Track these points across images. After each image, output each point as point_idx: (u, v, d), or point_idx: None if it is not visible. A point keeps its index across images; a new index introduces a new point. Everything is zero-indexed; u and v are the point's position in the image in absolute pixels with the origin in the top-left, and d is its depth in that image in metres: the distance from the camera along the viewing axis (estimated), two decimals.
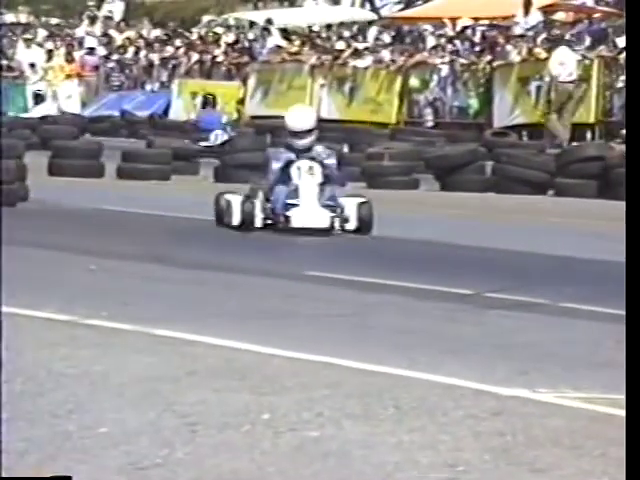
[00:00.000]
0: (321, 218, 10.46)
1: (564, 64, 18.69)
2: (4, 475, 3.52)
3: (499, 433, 4.48)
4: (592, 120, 18.85)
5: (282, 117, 23.31)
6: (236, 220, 10.66)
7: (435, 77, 21.11)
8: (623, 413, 4.72)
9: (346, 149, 17.44)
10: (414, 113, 21.28)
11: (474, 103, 20.72)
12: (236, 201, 10.77)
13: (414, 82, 21.29)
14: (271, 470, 4.00)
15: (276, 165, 10.79)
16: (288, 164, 10.74)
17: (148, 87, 25.16)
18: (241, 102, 23.05)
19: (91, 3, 31.40)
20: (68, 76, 25.00)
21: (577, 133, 18.58)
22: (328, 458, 4.14)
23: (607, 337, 6.45)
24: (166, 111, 24.09)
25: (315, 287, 7.92)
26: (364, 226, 10.55)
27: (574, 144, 17.13)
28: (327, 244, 10.36)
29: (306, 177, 10.64)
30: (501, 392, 5.09)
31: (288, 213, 10.49)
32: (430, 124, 20.89)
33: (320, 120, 21.51)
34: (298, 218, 10.43)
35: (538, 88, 19.49)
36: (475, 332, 6.68)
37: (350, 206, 10.64)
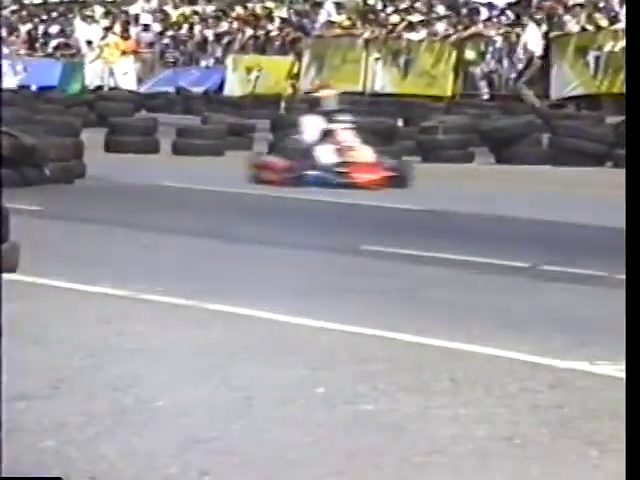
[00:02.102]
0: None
1: (532, 40, 19.60)
2: (4, 475, 3.53)
3: (556, 406, 4.44)
4: None
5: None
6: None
7: (490, 49, 20.90)
8: None
9: (401, 123, 17.35)
10: (469, 86, 21.10)
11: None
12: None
13: (469, 54, 21.10)
14: (326, 444, 4.00)
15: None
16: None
17: (203, 63, 25.19)
18: (296, 77, 23.00)
19: None
20: (124, 53, 25.11)
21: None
22: (383, 431, 4.13)
23: None
24: (221, 87, 24.10)
25: (370, 261, 7.91)
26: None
27: None
28: (382, 218, 10.33)
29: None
30: (558, 365, 5.05)
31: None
32: (486, 97, 20.71)
33: (374, 94, 21.60)
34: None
35: (597, 58, 19.23)
36: (531, 305, 6.63)
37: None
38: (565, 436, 4.12)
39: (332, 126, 12.16)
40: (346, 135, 12.13)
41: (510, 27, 20.87)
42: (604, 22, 19.34)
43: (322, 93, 12.77)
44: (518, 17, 21.03)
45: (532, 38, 19.93)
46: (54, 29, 27.70)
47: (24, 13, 29.10)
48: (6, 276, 6.58)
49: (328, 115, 12.26)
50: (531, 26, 20.17)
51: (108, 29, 25.86)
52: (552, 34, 20.12)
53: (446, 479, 3.73)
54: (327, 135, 12.07)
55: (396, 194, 11.70)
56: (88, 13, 27.12)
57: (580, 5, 20.18)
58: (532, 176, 13.85)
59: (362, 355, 5.16)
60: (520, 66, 19.86)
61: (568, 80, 19.64)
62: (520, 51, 20.04)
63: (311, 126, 12.20)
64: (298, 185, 11.57)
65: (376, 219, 10.31)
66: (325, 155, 11.89)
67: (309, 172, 11.86)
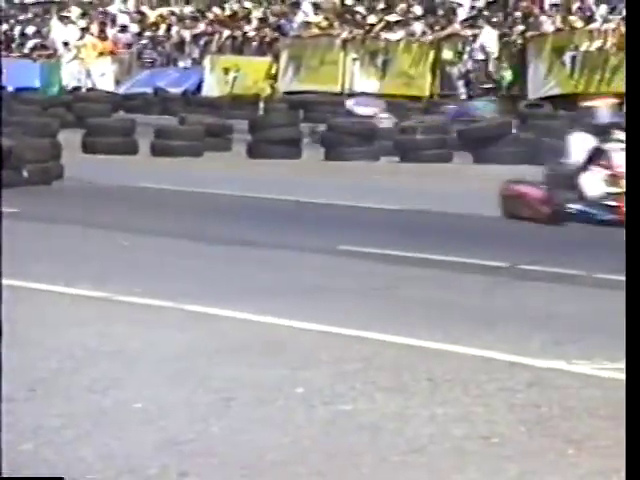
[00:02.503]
0: None
1: (487, 42, 19.90)
2: (4, 475, 3.52)
3: (534, 405, 4.46)
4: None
5: (314, 92, 23.34)
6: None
7: (467, 49, 20.97)
8: None
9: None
10: (447, 86, 21.16)
11: (507, 75, 20.56)
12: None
13: (447, 54, 21.16)
14: (306, 444, 4.00)
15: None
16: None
17: (181, 64, 25.16)
18: (273, 78, 23.00)
19: None
20: (101, 54, 25.05)
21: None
22: (362, 431, 4.13)
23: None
24: (199, 87, 24.08)
25: (348, 261, 7.91)
26: None
27: None
28: (357, 217, 10.34)
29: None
30: (536, 364, 5.07)
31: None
32: (463, 97, 20.77)
33: (352, 94, 21.60)
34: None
35: (573, 58, 19.32)
36: (509, 304, 6.65)
37: None
38: (543, 434, 4.13)
39: (606, 146, 9.69)
40: (621, 158, 9.33)
41: (489, 27, 20.94)
42: (579, 23, 19.45)
43: (595, 102, 10.41)
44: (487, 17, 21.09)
45: (488, 40, 20.18)
46: (30, 30, 27.58)
47: (2, 14, 28.96)
48: None
49: (601, 131, 9.79)
50: (487, 28, 20.42)
51: (85, 30, 25.78)
52: (528, 34, 20.20)
53: (424, 478, 3.74)
54: (598, 157, 9.65)
55: (374, 192, 11.71)
56: (65, 14, 27.02)
57: (555, 5, 20.28)
58: (510, 175, 13.89)
59: (340, 355, 5.16)
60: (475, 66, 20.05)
61: (545, 80, 19.73)
62: (478, 53, 20.27)
63: (578, 146, 9.73)
64: (559, 222, 9.41)
65: (352, 218, 10.31)
66: (593, 184, 9.56)
67: (572, 205, 9.53)
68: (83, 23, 26.32)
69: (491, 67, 20.21)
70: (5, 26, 27.94)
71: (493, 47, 20.12)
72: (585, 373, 4.98)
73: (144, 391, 4.59)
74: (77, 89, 23.97)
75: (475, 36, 20.68)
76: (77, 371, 4.87)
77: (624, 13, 19.24)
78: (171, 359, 5.09)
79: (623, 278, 7.23)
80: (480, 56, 20.16)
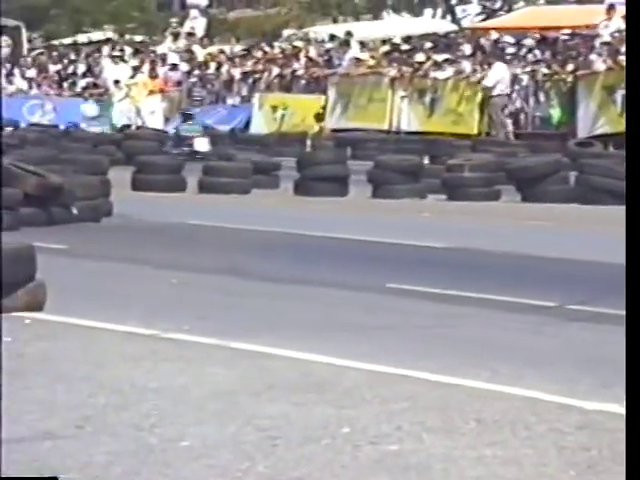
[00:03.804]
0: None
1: (500, 79, 19.89)
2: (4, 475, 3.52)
3: (584, 448, 4.41)
4: None
5: (363, 130, 23.40)
6: None
7: (517, 87, 20.94)
8: None
9: (427, 161, 17.37)
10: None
11: (556, 113, 20.50)
12: None
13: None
14: None
15: None
16: None
17: (229, 101, 25.35)
18: (322, 115, 23.10)
19: (174, 20, 31.80)
20: (151, 92, 25.31)
21: None
22: (408, 472, 4.10)
23: None
24: (247, 125, 24.24)
25: (396, 299, 7.89)
26: None
27: None
28: (405, 255, 10.32)
29: None
30: (586, 406, 5.01)
31: None
32: (512, 135, 20.72)
33: (400, 132, 21.64)
34: None
35: (624, 97, 19.24)
36: (558, 345, 6.59)
37: None
38: (594, 478, 4.08)
39: None
40: None
41: (536, 65, 20.92)
42: None
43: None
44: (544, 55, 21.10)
45: (495, 76, 20.14)
46: (82, 69, 27.94)
47: (54, 53, 29.40)
48: (33, 315, 6.63)
49: None
50: (498, 64, 20.54)
51: (136, 68, 26.08)
52: (579, 73, 20.14)
53: None
54: None
55: (422, 230, 11.68)
56: (116, 53, 27.36)
57: (607, 44, 20.21)
58: (559, 215, 13.81)
59: (386, 394, 5.14)
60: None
61: (595, 118, 19.64)
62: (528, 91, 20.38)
63: None
64: None
65: (401, 256, 10.30)
66: None
67: None
68: (134, 62, 26.63)
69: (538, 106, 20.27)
70: (59, 66, 28.34)
71: (506, 87, 20.17)
72: None
73: (191, 428, 4.59)
74: (127, 127, 24.22)
75: (533, 74, 20.64)
76: (124, 408, 4.89)
77: None
78: (217, 396, 5.10)
79: None
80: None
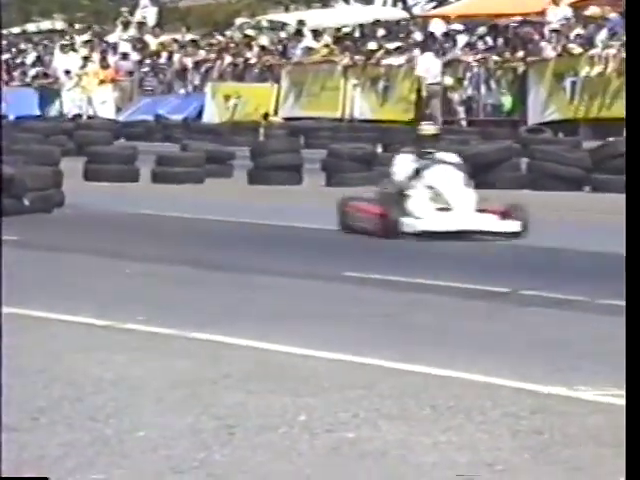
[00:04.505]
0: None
1: (429, 68, 20.02)
2: (4, 475, 3.52)
3: (537, 432, 4.45)
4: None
5: (316, 118, 23.43)
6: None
7: (468, 75, 21.04)
8: None
9: (380, 149, 17.41)
10: (447, 111, 21.21)
11: (507, 100, 20.62)
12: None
13: (447, 80, 21.22)
14: (308, 472, 4.00)
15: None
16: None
17: (182, 91, 25.24)
18: (274, 104, 23.07)
19: (124, 9, 31.59)
20: (102, 82, 25.13)
21: (613, 128, 18.46)
22: (365, 459, 4.13)
23: None
24: (200, 114, 24.15)
25: (352, 287, 7.91)
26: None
27: (610, 139, 17.00)
28: (363, 244, 10.34)
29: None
30: (539, 390, 5.06)
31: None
32: (464, 122, 20.82)
33: (353, 120, 21.66)
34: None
35: (573, 84, 19.39)
36: (512, 330, 6.64)
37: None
38: (546, 462, 4.12)
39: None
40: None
41: (487, 52, 21.03)
42: (578, 50, 19.53)
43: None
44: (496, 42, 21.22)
45: (431, 65, 20.38)
46: (32, 58, 27.70)
47: (3, 42, 29.10)
48: None
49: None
50: (426, 54, 20.78)
51: (87, 58, 25.88)
52: (529, 60, 20.26)
53: None
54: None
55: None
56: (65, 42, 27.13)
57: (556, 31, 20.34)
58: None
59: (343, 382, 5.16)
60: None
61: (545, 105, 19.78)
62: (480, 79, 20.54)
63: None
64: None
65: (357, 245, 10.32)
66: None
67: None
68: (85, 51, 26.43)
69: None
70: (7, 55, 28.07)
71: (437, 75, 20.42)
72: (588, 399, 4.97)
73: (147, 419, 4.58)
74: (78, 117, 24.04)
75: (483, 61, 20.76)
76: (80, 399, 4.87)
77: (624, 39, 19.34)
78: (174, 387, 5.09)
79: (623, 303, 7.25)
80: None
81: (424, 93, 20.54)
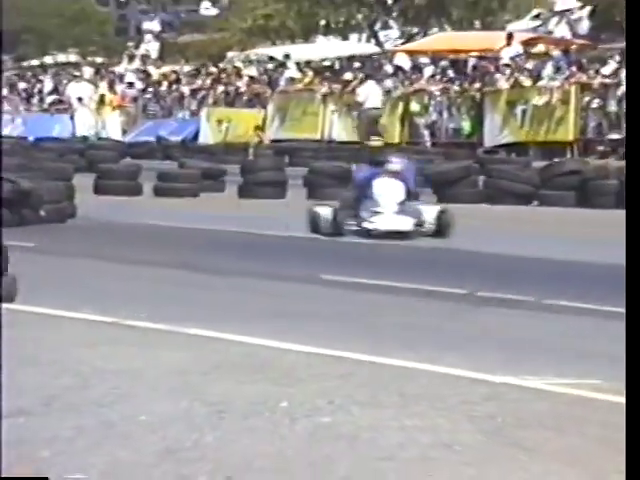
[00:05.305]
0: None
1: (369, 95, 20.32)
2: (4, 475, 3.47)
3: (491, 416, 4.45)
4: (571, 138, 18.81)
5: (298, 140, 23.42)
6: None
7: (432, 102, 21.11)
8: (602, 397, 4.69)
9: (355, 167, 17.40)
10: (414, 134, 21.26)
11: (467, 125, 20.69)
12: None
13: (414, 107, 21.29)
14: (289, 452, 3.99)
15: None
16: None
17: (180, 115, 25.22)
18: (261, 127, 23.06)
19: (130, 44, 31.56)
20: (111, 107, 25.09)
21: (558, 150, 18.56)
22: (339, 441, 4.12)
23: (586, 329, 6.43)
24: (196, 136, 24.12)
25: (330, 289, 7.91)
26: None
27: (556, 160, 17.08)
28: (339, 250, 10.34)
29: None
30: (492, 380, 5.07)
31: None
32: (428, 144, 20.88)
33: (331, 141, 21.66)
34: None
35: (523, 111, 19.49)
36: (470, 327, 6.65)
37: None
38: (499, 442, 4.12)
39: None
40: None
41: (450, 84, 21.09)
42: (527, 82, 19.65)
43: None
44: (458, 75, 21.29)
45: (373, 94, 20.52)
46: (49, 87, 27.64)
47: (25, 74, 29.09)
48: (6, 305, 6.54)
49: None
50: (369, 82, 20.99)
51: (96, 87, 25.85)
52: (485, 90, 20.34)
53: None
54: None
55: None
56: (78, 73, 27.11)
57: (509, 66, 20.44)
58: (469, 213, 13.95)
59: (320, 373, 5.15)
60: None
61: (500, 130, 19.85)
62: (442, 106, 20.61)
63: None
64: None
65: (333, 251, 10.31)
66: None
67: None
68: (95, 81, 26.41)
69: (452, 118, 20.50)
70: (26, 84, 28.01)
71: (377, 101, 20.62)
72: (535, 387, 4.98)
73: (146, 405, 4.56)
74: (88, 138, 23.99)
75: (446, 90, 20.80)
76: (86, 388, 4.84)
77: (567, 73, 19.45)
78: (171, 376, 5.06)
79: (567, 303, 7.27)
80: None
81: (362, 116, 20.85)
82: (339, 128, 21.93)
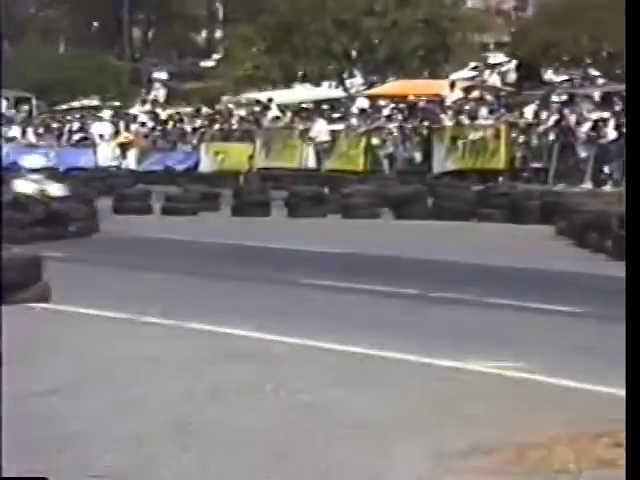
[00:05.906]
0: None
1: (320, 131, 20.52)
2: (4, 475, 3.32)
3: (439, 393, 4.47)
4: (502, 167, 18.97)
5: (281, 168, 23.35)
6: None
7: (390, 137, 21.24)
8: (516, 375, 4.72)
9: (327, 190, 17.45)
10: (375, 163, 21.35)
11: (418, 155, 20.82)
12: None
13: (375, 141, 21.41)
14: (275, 425, 3.99)
15: None
16: None
17: (183, 148, 25.24)
18: (251, 158, 23.09)
19: (143, 90, 31.53)
20: (127, 143, 25.13)
21: (491, 176, 18.69)
22: (315, 415, 4.13)
23: (514, 320, 6.47)
24: (196, 166, 24.16)
25: (307, 291, 7.90)
26: None
27: (490, 184, 17.20)
28: (315, 258, 10.33)
29: None
30: (441, 364, 5.09)
31: None
32: (387, 171, 20.97)
33: (308, 169, 21.69)
34: None
35: (464, 144, 19.66)
36: (421, 320, 6.67)
37: None
38: (447, 414, 4.14)
39: None
40: None
41: (404, 122, 21.21)
42: (466, 121, 19.85)
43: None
44: (409, 115, 21.41)
45: (321, 130, 20.70)
46: (76, 126, 27.65)
47: (56, 116, 29.14)
48: (42, 305, 6.52)
49: None
50: (319, 120, 21.48)
51: (115, 126, 25.90)
52: (433, 127, 20.49)
53: (362, 445, 3.73)
54: None
55: (322, 240, 11.67)
56: (100, 115, 27.15)
57: (451, 108, 20.61)
58: (420, 228, 14.00)
59: (300, 359, 5.15)
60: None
61: (445, 159, 19.97)
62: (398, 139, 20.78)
63: None
64: None
65: (310, 259, 10.30)
66: None
67: None
68: (114, 121, 26.46)
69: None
70: (58, 124, 28.06)
71: (324, 136, 21.04)
72: (476, 370, 5.00)
73: (156, 386, 4.55)
74: (109, 168, 23.97)
75: (401, 127, 20.91)
76: (108, 372, 4.82)
77: (499, 114, 19.64)
78: (177, 362, 5.05)
79: (500, 300, 7.29)
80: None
81: (312, 148, 21.22)
82: (314, 159, 21.98)
